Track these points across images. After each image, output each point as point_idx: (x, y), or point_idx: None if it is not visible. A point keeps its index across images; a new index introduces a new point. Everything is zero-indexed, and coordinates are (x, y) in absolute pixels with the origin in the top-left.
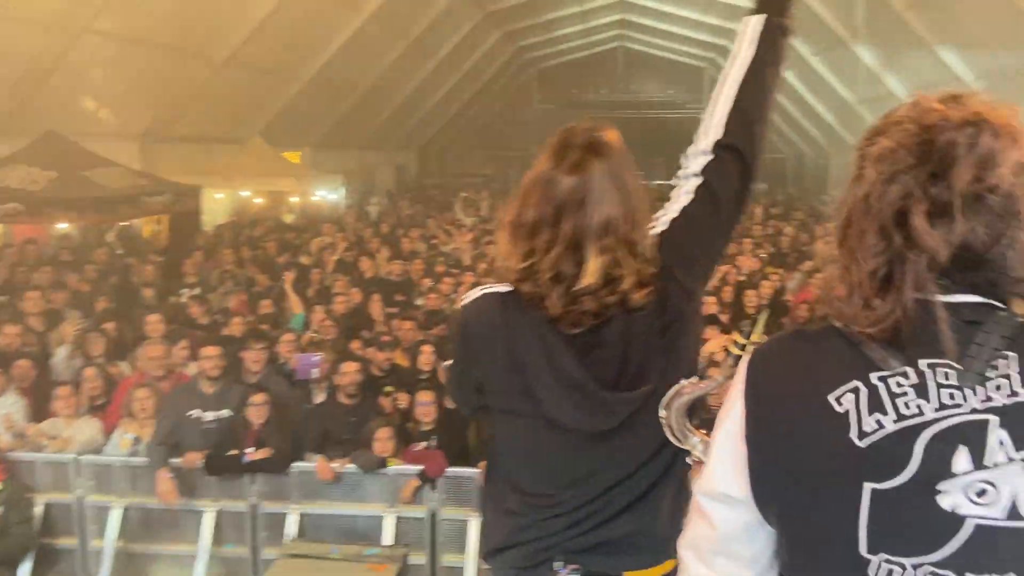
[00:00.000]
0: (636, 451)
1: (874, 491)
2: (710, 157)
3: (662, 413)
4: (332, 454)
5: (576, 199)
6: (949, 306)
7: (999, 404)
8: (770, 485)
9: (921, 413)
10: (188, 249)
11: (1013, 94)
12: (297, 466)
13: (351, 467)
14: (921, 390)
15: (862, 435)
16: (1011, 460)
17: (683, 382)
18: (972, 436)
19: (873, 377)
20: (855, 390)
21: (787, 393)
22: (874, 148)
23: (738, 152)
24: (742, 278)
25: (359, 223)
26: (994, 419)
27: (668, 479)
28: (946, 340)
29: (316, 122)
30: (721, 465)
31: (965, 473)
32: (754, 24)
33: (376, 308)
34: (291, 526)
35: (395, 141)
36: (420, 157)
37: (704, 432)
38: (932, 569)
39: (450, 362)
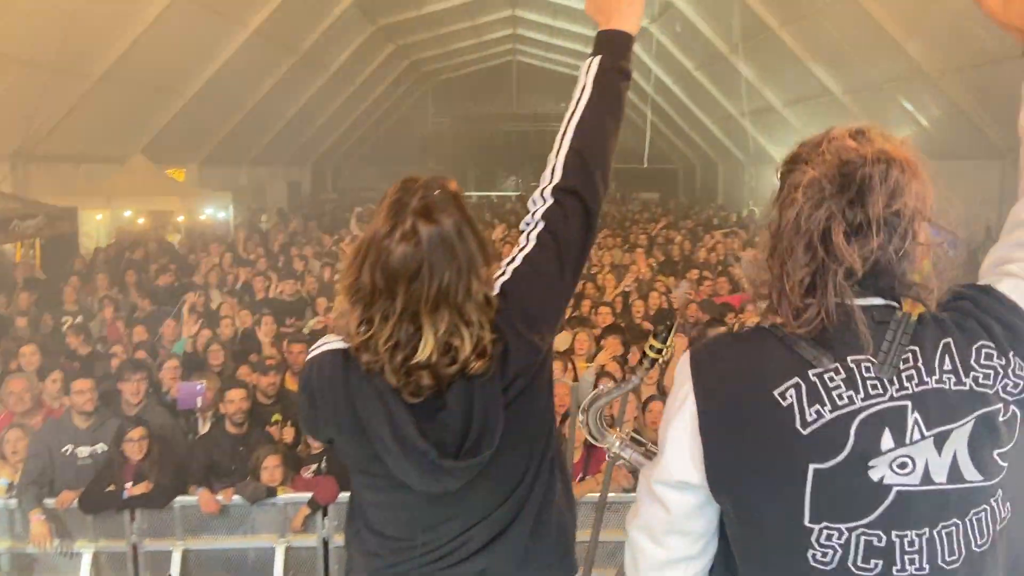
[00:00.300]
0: (488, 499)
1: (816, 470)
2: (551, 202)
3: (580, 417)
4: (219, 486)
5: (409, 270)
6: (863, 308)
7: (911, 391)
8: (725, 471)
9: (852, 403)
10: (64, 274)
11: (874, 106)
12: (179, 500)
13: (237, 498)
14: (850, 383)
15: (805, 424)
16: (924, 437)
17: (601, 387)
18: (894, 419)
19: (811, 374)
20: (796, 386)
21: (736, 390)
22: (802, 177)
23: (578, 196)
24: (629, 288)
25: (249, 241)
26: (909, 404)
27: (524, 515)
28: (864, 339)
29: (202, 138)
30: (677, 456)
31: (890, 450)
32: (592, 66)
33: (265, 331)
34: (176, 564)
35: (287, 157)
36: (314, 173)
37: (616, 430)
38: (864, 531)
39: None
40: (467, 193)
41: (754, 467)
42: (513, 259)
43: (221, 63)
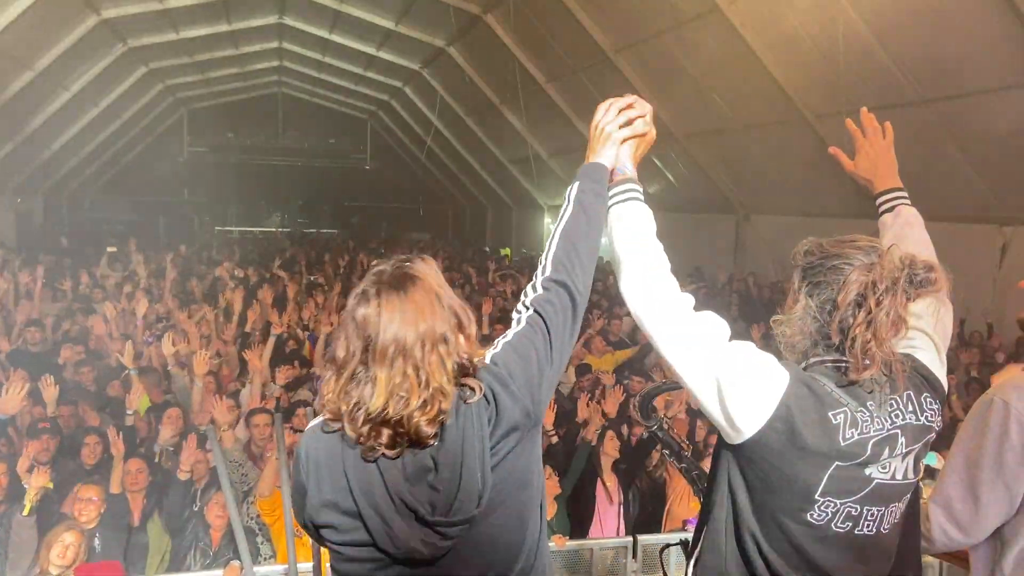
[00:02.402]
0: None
1: (837, 466)
2: (541, 291)
3: (636, 397)
4: None
5: (370, 328)
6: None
7: (899, 424)
8: (777, 443)
9: (869, 431)
10: None
11: None
12: None
13: None
14: (870, 418)
15: (844, 438)
16: (904, 454)
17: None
18: (890, 441)
19: (851, 408)
20: (844, 413)
21: (808, 407)
22: (855, 278)
23: (566, 288)
24: None
25: None
26: (899, 432)
27: None
28: (870, 391)
29: None
30: (751, 409)
31: (884, 459)
32: (574, 188)
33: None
34: None
35: (12, 185)
36: (47, 203)
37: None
38: (849, 504)
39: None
40: (228, 228)
41: (801, 454)
42: (506, 336)
43: None
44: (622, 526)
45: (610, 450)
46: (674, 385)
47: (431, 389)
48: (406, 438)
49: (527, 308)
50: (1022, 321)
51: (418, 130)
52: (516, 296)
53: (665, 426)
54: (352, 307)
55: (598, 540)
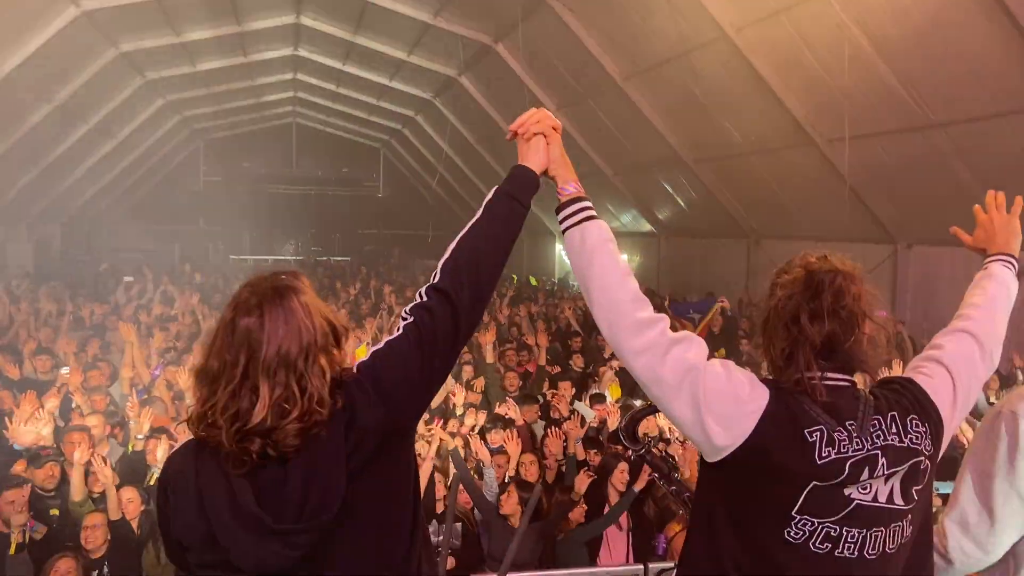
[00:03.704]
0: None
1: (815, 485)
2: (424, 299)
3: (620, 423)
4: None
5: (253, 338)
6: (838, 388)
7: (879, 445)
8: (761, 457)
9: (850, 450)
10: None
11: (639, 186)
12: None
13: None
14: (848, 438)
15: (820, 457)
16: (885, 475)
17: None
18: (870, 462)
19: (827, 428)
20: (820, 431)
21: (783, 422)
22: (782, 280)
23: (447, 296)
24: None
25: None
26: (879, 453)
27: None
28: (850, 412)
29: None
30: (721, 425)
31: (864, 480)
32: (490, 193)
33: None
34: None
35: (33, 214)
36: (64, 232)
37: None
38: (827, 525)
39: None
40: (242, 256)
41: (779, 471)
42: (379, 343)
43: None
44: (631, 553)
45: (617, 483)
46: (656, 409)
47: (312, 401)
48: (271, 448)
49: (407, 316)
50: None
51: (430, 158)
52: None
53: (653, 449)
54: (230, 318)
55: (608, 568)
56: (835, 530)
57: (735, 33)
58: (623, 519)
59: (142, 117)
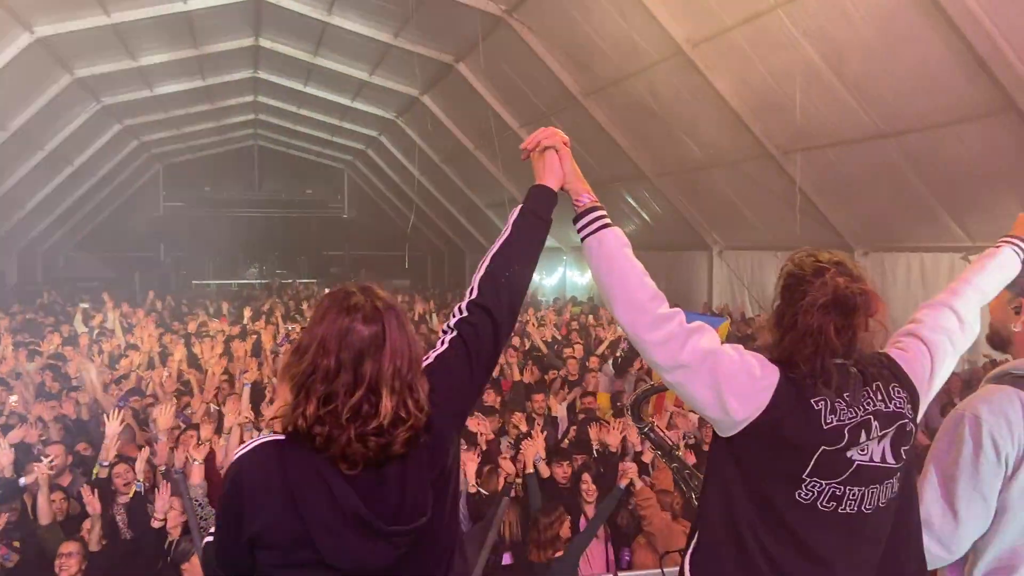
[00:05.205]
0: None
1: (823, 450)
2: (466, 314)
3: (628, 400)
4: None
5: (375, 345)
6: (838, 366)
7: (871, 410)
8: (771, 428)
9: (847, 417)
10: None
11: (603, 201)
12: None
13: None
14: (846, 407)
15: (825, 423)
16: (878, 437)
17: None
18: (865, 426)
19: (829, 398)
20: (824, 401)
21: (791, 393)
22: (810, 297)
23: (488, 311)
24: None
25: None
26: (871, 417)
27: None
28: (845, 384)
29: None
30: (742, 394)
31: (862, 443)
32: (515, 211)
33: None
34: None
35: None
36: (21, 262)
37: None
38: (832, 485)
39: (209, 535)
40: (205, 281)
41: (790, 439)
42: (428, 358)
43: None
44: (610, 562)
45: (586, 495)
46: (662, 388)
47: (421, 411)
48: (379, 454)
49: (451, 330)
50: (990, 338)
51: (395, 178)
52: None
53: (657, 428)
54: (347, 324)
55: None
56: (839, 490)
57: (690, 49)
58: (601, 530)
59: (100, 143)
